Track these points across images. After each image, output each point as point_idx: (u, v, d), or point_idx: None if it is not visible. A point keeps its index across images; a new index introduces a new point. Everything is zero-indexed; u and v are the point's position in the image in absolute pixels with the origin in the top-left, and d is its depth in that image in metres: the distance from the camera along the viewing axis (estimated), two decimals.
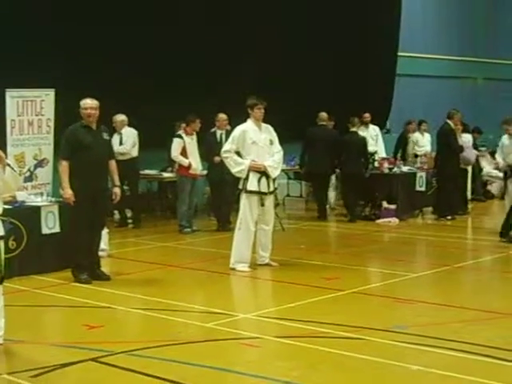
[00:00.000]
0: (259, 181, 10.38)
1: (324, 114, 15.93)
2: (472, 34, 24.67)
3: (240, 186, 10.51)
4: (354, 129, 15.64)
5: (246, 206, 10.39)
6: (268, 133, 10.57)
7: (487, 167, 18.96)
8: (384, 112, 20.50)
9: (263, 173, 10.39)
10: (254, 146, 10.41)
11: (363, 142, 15.55)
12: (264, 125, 10.58)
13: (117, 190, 10.15)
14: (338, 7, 19.22)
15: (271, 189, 10.52)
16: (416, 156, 17.29)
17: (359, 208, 15.65)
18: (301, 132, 15.94)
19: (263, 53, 17.20)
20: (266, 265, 10.62)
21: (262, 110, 10.47)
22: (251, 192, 10.37)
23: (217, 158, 13.60)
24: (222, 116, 14.03)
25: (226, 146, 10.63)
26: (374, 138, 17.52)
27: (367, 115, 17.42)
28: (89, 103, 9.99)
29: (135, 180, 14.80)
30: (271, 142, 10.55)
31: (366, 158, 15.63)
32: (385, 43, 20.62)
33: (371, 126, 17.61)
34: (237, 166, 10.43)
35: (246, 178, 10.38)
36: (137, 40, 15.37)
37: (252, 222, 10.38)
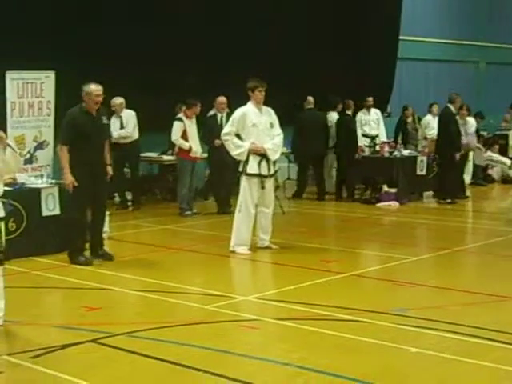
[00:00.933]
0: (259, 164, 10.36)
1: (311, 98, 16.26)
2: (474, 17, 24.57)
3: (240, 169, 10.49)
4: (348, 111, 16.15)
5: (246, 188, 10.37)
6: (268, 115, 10.53)
7: (488, 152, 18.93)
8: (385, 96, 20.43)
9: (263, 155, 10.37)
10: (255, 128, 10.38)
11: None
12: (265, 107, 10.54)
13: (108, 169, 10.15)
14: None
15: (271, 172, 10.50)
16: (425, 139, 17.26)
17: (357, 191, 15.88)
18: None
19: (263, 37, 17.13)
20: (266, 247, 10.62)
21: (263, 93, 10.42)
22: (251, 175, 10.35)
23: (217, 141, 13.58)
24: (221, 99, 14.00)
25: (226, 129, 10.61)
26: (375, 122, 17.51)
27: (370, 99, 17.41)
28: (99, 90, 9.94)
29: (136, 163, 14.82)
30: (271, 125, 10.52)
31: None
32: (386, 27, 20.52)
33: (373, 110, 17.58)
34: (237, 149, 10.40)
35: (246, 161, 10.36)
36: (138, 23, 15.30)
37: (252, 204, 10.37)
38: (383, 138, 17.36)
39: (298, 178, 16.70)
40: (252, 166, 10.34)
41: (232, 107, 14.07)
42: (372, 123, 17.38)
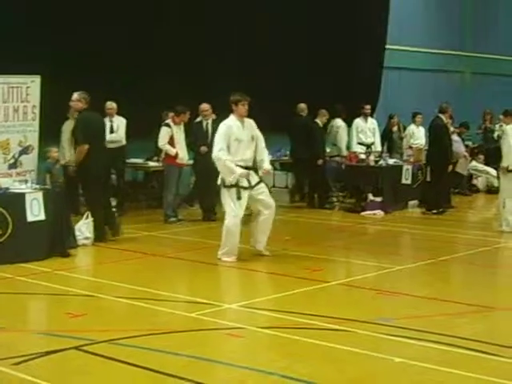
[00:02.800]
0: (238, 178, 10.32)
1: (302, 105, 16.43)
2: (460, 27, 24.69)
3: (218, 182, 10.47)
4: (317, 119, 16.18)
5: (227, 199, 10.35)
6: (250, 128, 10.54)
7: (473, 162, 18.98)
8: (371, 105, 20.45)
9: (241, 168, 10.32)
10: (236, 142, 10.35)
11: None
12: (247, 120, 10.55)
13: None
14: (327, 0, 19.18)
15: (252, 183, 10.44)
16: (410, 148, 17.31)
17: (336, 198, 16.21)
18: (286, 123, 16.12)
19: (249, 46, 17.15)
20: (259, 253, 10.64)
21: (246, 106, 10.44)
22: (230, 186, 10.31)
23: (203, 148, 13.60)
24: (204, 106, 13.99)
25: (218, 146, 10.36)
26: (371, 130, 17.61)
27: (368, 107, 17.57)
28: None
29: (122, 169, 14.80)
30: (252, 138, 10.51)
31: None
32: (372, 36, 20.57)
33: (370, 119, 17.70)
34: (229, 174, 10.26)
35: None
36: (124, 30, 15.27)
37: (238, 213, 10.32)
38: (378, 147, 17.47)
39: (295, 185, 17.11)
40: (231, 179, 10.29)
41: (221, 114, 14.13)
42: (368, 132, 17.45)
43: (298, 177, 17.00)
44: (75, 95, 11.79)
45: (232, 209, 10.30)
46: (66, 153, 13.80)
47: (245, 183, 10.33)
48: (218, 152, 10.33)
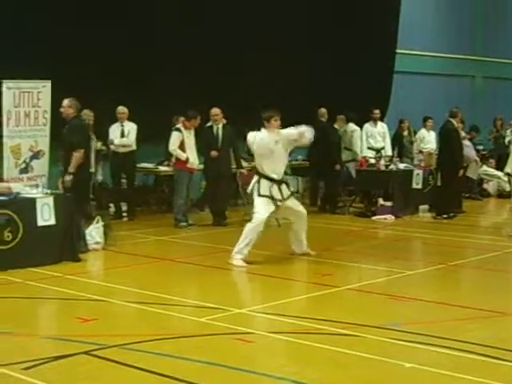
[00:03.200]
0: (270, 189, 10.48)
1: (322, 110, 16.40)
2: (471, 32, 24.65)
3: (250, 189, 10.70)
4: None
5: (260, 204, 10.47)
6: (280, 139, 10.62)
7: (484, 166, 18.93)
8: (382, 109, 20.43)
9: (273, 180, 10.50)
10: (269, 154, 10.53)
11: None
12: (278, 132, 10.65)
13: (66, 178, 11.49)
14: (338, 4, 19.18)
15: (285, 196, 10.59)
16: (421, 152, 17.29)
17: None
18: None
19: (262, 50, 17.16)
20: (304, 254, 10.92)
21: (279, 122, 10.63)
22: (264, 196, 10.47)
23: (213, 153, 13.62)
24: (214, 110, 13.99)
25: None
26: (381, 135, 17.60)
27: (377, 111, 17.57)
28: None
29: (132, 173, 14.83)
30: (284, 149, 10.71)
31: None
32: (383, 40, 20.56)
33: (379, 123, 17.69)
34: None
35: (259, 183, 10.50)
36: (135, 35, 15.32)
37: (264, 214, 10.40)
38: (389, 151, 17.47)
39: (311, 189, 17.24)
40: (264, 189, 10.45)
41: (231, 119, 14.16)
42: (378, 136, 17.45)
43: (314, 181, 17.00)
44: (65, 101, 11.71)
45: (258, 211, 10.43)
46: None
47: (278, 195, 10.50)
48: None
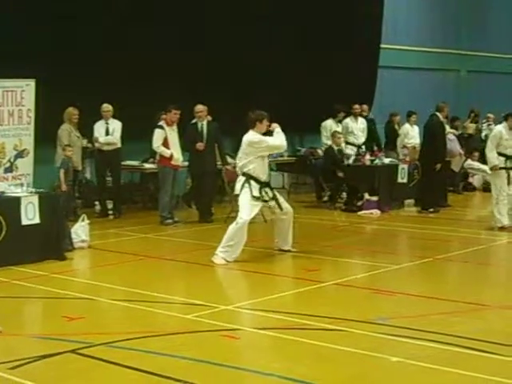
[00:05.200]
0: (260, 190, 10.51)
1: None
2: (455, 26, 24.71)
3: (239, 189, 10.63)
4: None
5: (247, 206, 10.44)
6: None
7: (468, 160, 18.98)
8: (366, 104, 20.45)
9: (263, 183, 10.55)
10: (260, 158, 10.58)
11: None
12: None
13: None
14: (320, 0, 19.18)
15: (271, 195, 10.64)
16: (405, 147, 17.31)
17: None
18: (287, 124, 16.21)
19: (247, 47, 17.16)
20: (287, 251, 10.94)
21: (268, 122, 10.69)
22: (255, 197, 10.48)
23: (199, 144, 13.61)
24: (198, 107, 13.95)
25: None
26: (361, 131, 17.59)
27: (357, 106, 17.55)
28: None
29: (118, 171, 14.78)
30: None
31: None
32: (368, 35, 20.58)
33: (360, 119, 17.68)
34: None
35: (249, 184, 10.49)
36: (119, 33, 15.25)
37: (246, 219, 10.38)
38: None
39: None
40: (255, 190, 10.47)
41: (216, 117, 14.15)
42: (359, 132, 17.46)
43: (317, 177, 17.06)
44: None
45: (243, 214, 10.39)
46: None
47: (267, 197, 10.59)
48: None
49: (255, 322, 7.62)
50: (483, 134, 19.87)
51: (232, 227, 10.43)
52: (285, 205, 10.86)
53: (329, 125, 17.25)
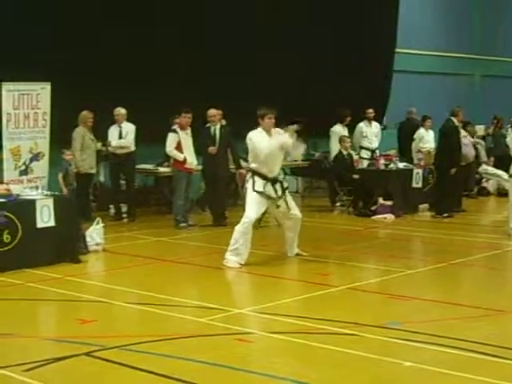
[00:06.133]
0: (264, 186, 10.42)
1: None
2: (469, 30, 24.67)
3: (247, 185, 10.61)
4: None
5: (251, 204, 10.40)
6: (277, 139, 10.57)
7: (483, 165, 18.91)
8: (381, 108, 20.46)
9: (267, 179, 10.45)
10: (263, 153, 10.42)
11: None
12: (274, 131, 10.59)
13: None
14: (336, 3, 19.20)
15: (279, 194, 10.54)
16: (419, 151, 17.27)
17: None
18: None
19: (261, 51, 17.19)
20: (297, 255, 10.86)
21: (273, 120, 10.53)
22: (258, 192, 10.42)
23: (211, 148, 13.62)
24: (211, 111, 13.96)
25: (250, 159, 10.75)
26: (376, 135, 17.57)
27: (371, 111, 17.50)
28: None
29: (132, 174, 14.83)
30: (280, 149, 10.58)
31: None
32: (382, 39, 20.58)
33: (374, 123, 17.66)
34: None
35: (253, 179, 10.45)
36: (134, 36, 15.36)
37: (251, 218, 10.35)
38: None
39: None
40: (258, 185, 10.40)
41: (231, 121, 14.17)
42: (373, 136, 17.43)
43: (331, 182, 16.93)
44: None
45: (247, 212, 10.36)
46: (78, 161, 13.77)
47: (272, 193, 10.46)
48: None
49: (268, 326, 7.61)
50: (508, 139, 19.74)
51: (238, 227, 10.42)
52: (294, 210, 10.76)
53: (337, 130, 17.23)
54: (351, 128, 17.62)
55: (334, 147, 16.95)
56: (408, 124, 18.30)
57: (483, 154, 18.86)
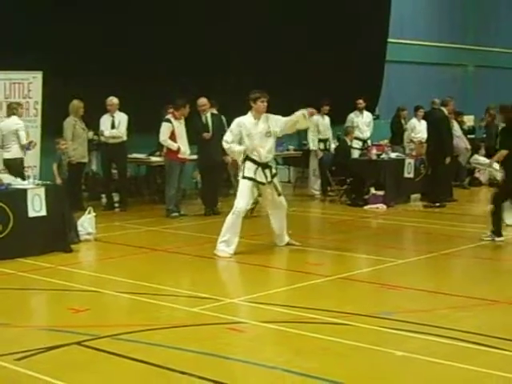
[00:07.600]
0: (255, 172, 10.40)
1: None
2: (463, 21, 24.67)
3: (240, 174, 10.61)
4: None
5: (242, 192, 10.40)
6: (266, 123, 10.53)
7: (475, 155, 18.93)
8: (373, 98, 20.45)
9: (258, 164, 10.42)
10: (248, 138, 10.43)
11: None
12: (264, 115, 10.56)
13: None
14: None
15: (269, 179, 10.53)
16: (411, 141, 17.29)
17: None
18: None
19: (250, 41, 17.17)
20: (288, 244, 10.83)
21: (265, 103, 10.51)
22: (248, 178, 10.40)
23: (206, 134, 13.58)
24: (201, 101, 13.89)
25: (226, 137, 10.70)
26: (367, 125, 17.55)
27: (361, 101, 17.46)
28: None
29: (123, 163, 14.79)
30: (268, 134, 10.53)
31: None
32: (375, 29, 20.57)
33: (365, 113, 17.63)
34: (238, 155, 10.60)
35: (244, 164, 10.45)
36: (126, 26, 15.30)
37: (242, 207, 10.35)
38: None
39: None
40: (249, 171, 10.39)
41: (225, 109, 14.13)
42: (364, 126, 17.41)
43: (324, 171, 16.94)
44: None
45: (238, 201, 10.38)
46: (70, 150, 13.73)
47: (262, 179, 10.44)
48: (225, 142, 10.62)
49: (260, 316, 7.62)
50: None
51: (229, 217, 10.43)
52: (279, 198, 10.71)
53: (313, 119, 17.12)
54: (341, 118, 17.50)
55: (312, 137, 16.79)
56: (433, 114, 18.14)
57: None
